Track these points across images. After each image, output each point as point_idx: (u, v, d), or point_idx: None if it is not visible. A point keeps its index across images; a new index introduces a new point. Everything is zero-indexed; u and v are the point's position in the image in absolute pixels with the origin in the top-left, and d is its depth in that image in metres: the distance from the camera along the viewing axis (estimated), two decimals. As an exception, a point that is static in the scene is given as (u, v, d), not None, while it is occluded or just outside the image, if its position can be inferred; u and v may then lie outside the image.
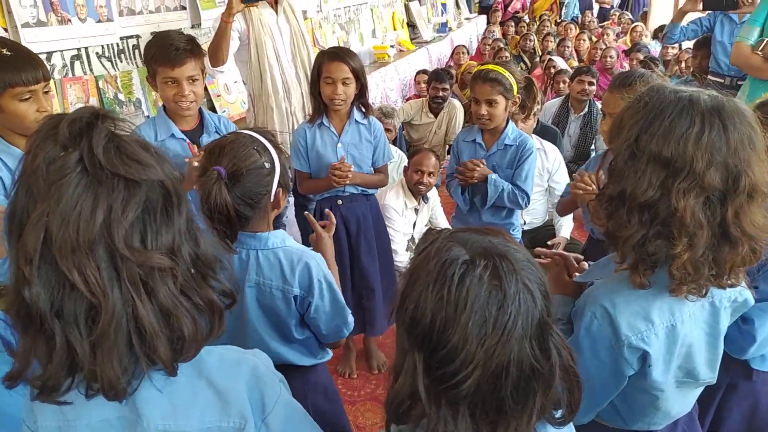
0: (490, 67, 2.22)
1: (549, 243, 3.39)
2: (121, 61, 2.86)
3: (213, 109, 3.62)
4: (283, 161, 1.40)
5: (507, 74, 2.20)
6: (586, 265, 1.28)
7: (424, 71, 5.45)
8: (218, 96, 3.61)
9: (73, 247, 0.68)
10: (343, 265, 2.48)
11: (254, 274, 1.38)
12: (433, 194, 3.49)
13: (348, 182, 2.26)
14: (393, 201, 3.19)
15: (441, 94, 4.67)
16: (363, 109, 2.38)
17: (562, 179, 3.56)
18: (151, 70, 1.98)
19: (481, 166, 2.22)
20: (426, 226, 3.57)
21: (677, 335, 1.01)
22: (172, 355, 0.75)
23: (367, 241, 2.47)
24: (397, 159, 3.75)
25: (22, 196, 0.71)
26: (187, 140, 2.03)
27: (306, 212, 1.73)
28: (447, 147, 4.91)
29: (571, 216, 3.56)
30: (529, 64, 7.08)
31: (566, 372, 0.79)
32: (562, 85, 5.04)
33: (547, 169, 3.55)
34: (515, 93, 2.22)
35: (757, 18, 2.56)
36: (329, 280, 1.42)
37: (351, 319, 1.49)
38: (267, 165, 1.34)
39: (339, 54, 2.23)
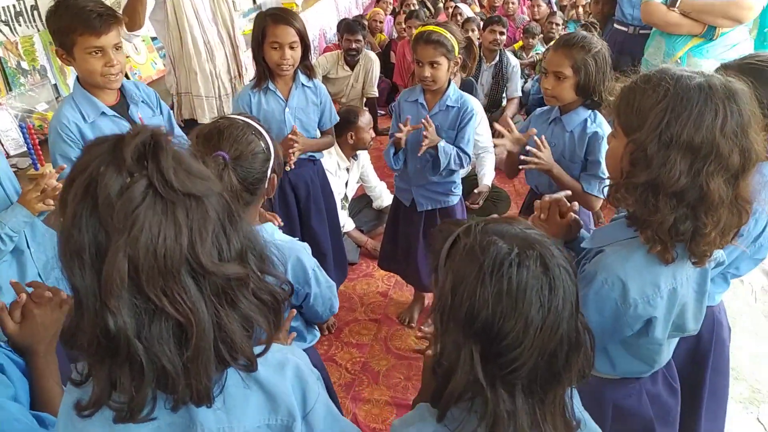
0: (432, 28, 2.23)
1: (475, 191, 3.55)
2: (20, 25, 2.57)
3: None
4: (276, 146, 1.38)
5: (449, 35, 2.22)
6: (576, 205, 1.35)
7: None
8: (127, 57, 3.35)
9: (161, 272, 0.67)
10: (293, 229, 2.47)
11: None
12: (364, 154, 3.54)
13: (298, 152, 2.21)
14: (326, 162, 3.17)
15: (354, 45, 4.60)
16: (307, 72, 2.32)
17: (484, 131, 3.70)
18: (67, 42, 1.75)
19: (432, 131, 2.22)
20: (357, 183, 3.61)
21: (677, 296, 1.13)
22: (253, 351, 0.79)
23: (316, 205, 2.48)
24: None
25: (89, 227, 0.67)
26: (140, 116, 1.90)
27: None
28: (364, 100, 4.90)
29: (493, 165, 3.75)
30: (432, 10, 7.09)
31: (589, 335, 0.87)
32: (470, 33, 5.12)
33: (471, 122, 3.68)
34: (457, 53, 2.26)
35: None
36: (318, 265, 1.44)
37: (336, 307, 1.55)
38: (265, 150, 1.32)
39: (284, 17, 2.14)
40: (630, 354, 1.22)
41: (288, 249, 1.39)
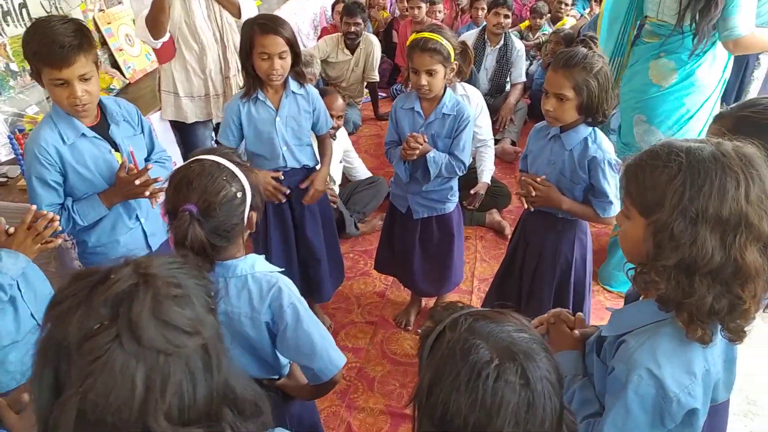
0: (427, 35, 2.15)
1: (471, 192, 3.47)
2: (8, 25, 2.50)
3: (116, 65, 3.30)
4: (253, 181, 1.32)
5: (444, 42, 2.15)
6: (581, 314, 1.31)
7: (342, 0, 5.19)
8: (120, 50, 3.28)
9: (108, 429, 0.64)
10: (287, 237, 2.45)
11: (222, 304, 1.30)
12: (343, 135, 3.62)
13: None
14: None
15: (353, 29, 4.51)
16: (298, 79, 2.26)
17: (484, 123, 3.61)
18: (33, 68, 1.69)
19: (423, 144, 2.20)
20: (340, 162, 3.61)
21: (711, 378, 1.07)
22: None
23: (311, 213, 2.44)
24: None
25: (53, 359, 0.65)
26: (132, 151, 1.86)
27: None
28: (365, 83, 4.82)
29: (492, 161, 3.66)
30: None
31: None
32: (480, 12, 4.96)
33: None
34: (453, 60, 2.20)
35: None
36: (304, 305, 1.37)
37: (338, 359, 1.39)
38: (239, 195, 1.26)
39: (272, 26, 2.05)
40: None
41: (267, 280, 1.34)
